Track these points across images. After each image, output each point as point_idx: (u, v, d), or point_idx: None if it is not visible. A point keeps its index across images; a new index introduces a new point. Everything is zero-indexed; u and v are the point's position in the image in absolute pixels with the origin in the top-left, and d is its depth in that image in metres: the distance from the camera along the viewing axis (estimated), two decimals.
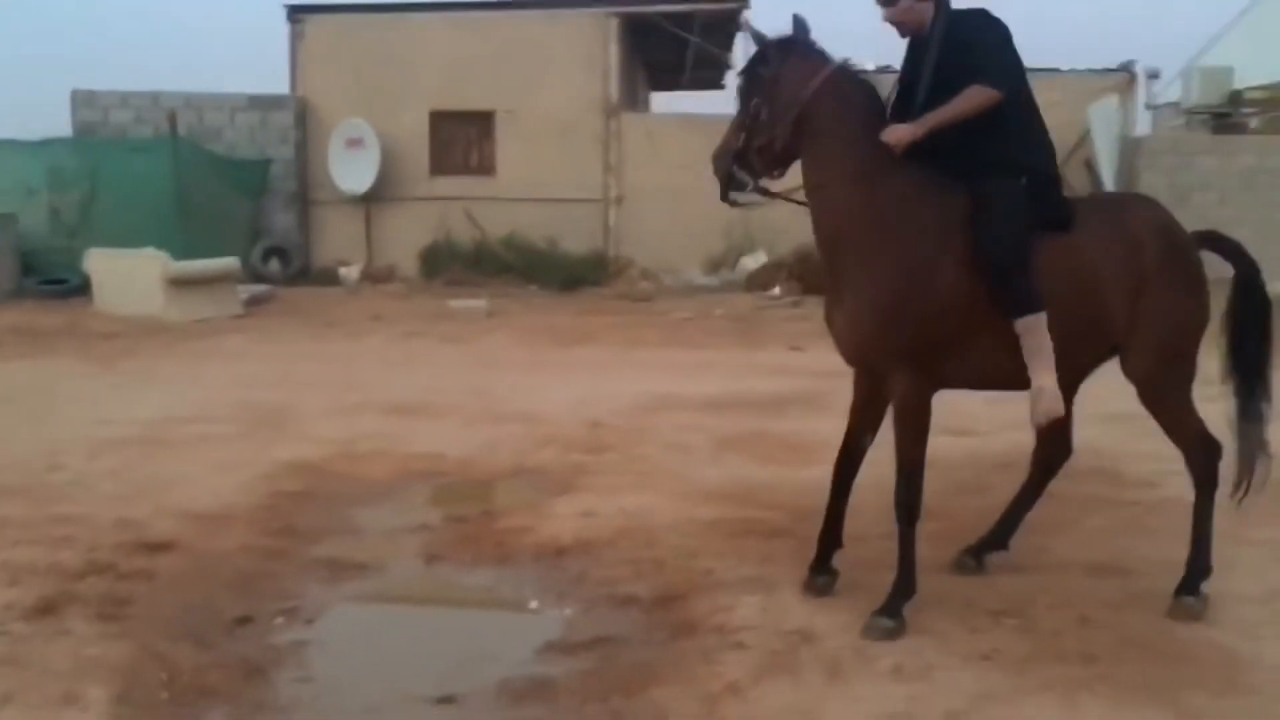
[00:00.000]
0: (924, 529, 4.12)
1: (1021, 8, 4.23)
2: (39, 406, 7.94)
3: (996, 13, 4.13)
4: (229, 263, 13.74)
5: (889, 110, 4.15)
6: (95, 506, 5.38)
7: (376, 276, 16.98)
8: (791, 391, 8.67)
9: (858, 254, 3.98)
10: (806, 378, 9.22)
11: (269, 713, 3.44)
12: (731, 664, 3.71)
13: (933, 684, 3.57)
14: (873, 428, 4.27)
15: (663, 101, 25.27)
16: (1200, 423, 4.23)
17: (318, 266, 17.53)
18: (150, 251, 12.99)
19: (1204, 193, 15.53)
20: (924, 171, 4.02)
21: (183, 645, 3.81)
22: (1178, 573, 4.28)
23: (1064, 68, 16.39)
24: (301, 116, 17.68)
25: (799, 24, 4.09)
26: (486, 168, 17.79)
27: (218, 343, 11.20)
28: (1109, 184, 15.54)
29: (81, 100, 17.41)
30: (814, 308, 14.21)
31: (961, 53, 3.98)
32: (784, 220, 15.38)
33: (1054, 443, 4.56)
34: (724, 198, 4.19)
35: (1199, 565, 4.21)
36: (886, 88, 4.25)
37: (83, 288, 13.76)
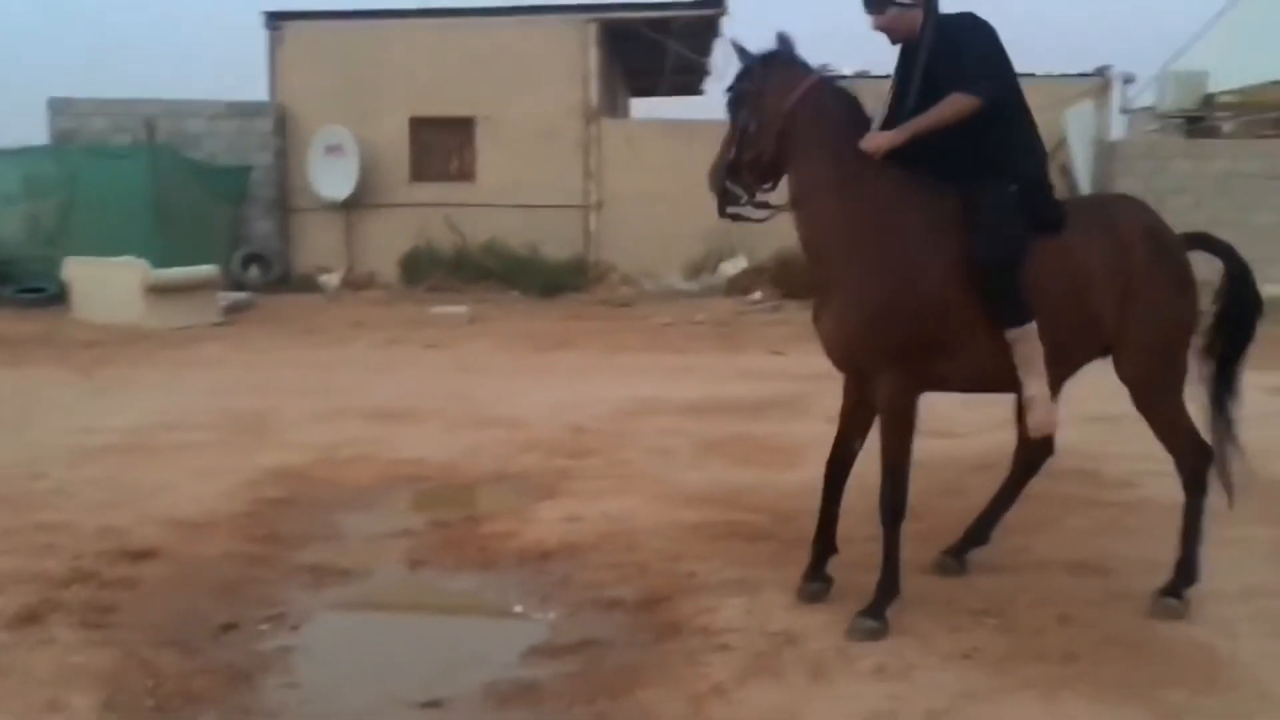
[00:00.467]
0: (906, 530, 4.15)
1: (996, 12, 4.26)
2: (19, 415, 7.90)
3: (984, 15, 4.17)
4: (208, 270, 13.69)
5: (885, 115, 4.19)
6: (78, 514, 5.37)
7: (357, 283, 16.95)
8: (772, 395, 8.71)
9: (843, 259, 4.02)
10: (787, 381, 9.27)
11: (255, 718, 3.44)
12: (716, 665, 3.74)
13: (915, 683, 3.61)
14: (862, 432, 4.29)
15: (642, 107, 25.32)
16: (1191, 427, 4.28)
17: (298, 274, 17.48)
18: (129, 259, 12.96)
19: (1179, 196, 15.65)
20: (909, 177, 4.06)
21: (168, 652, 3.81)
22: (1157, 571, 4.33)
23: (1039, 73, 16.53)
24: (281, 123, 17.64)
25: (782, 39, 4.15)
26: (467, 174, 17.79)
27: (198, 350, 11.17)
28: (1085, 188, 15.68)
29: (58, 108, 17.31)
30: (794, 312, 14.30)
31: (950, 57, 4.02)
32: (764, 226, 15.42)
33: (1037, 441, 4.59)
34: (721, 213, 4.24)
35: (1187, 570, 4.24)
36: (869, 94, 4.30)
37: (61, 296, 13.70)
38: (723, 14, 17.60)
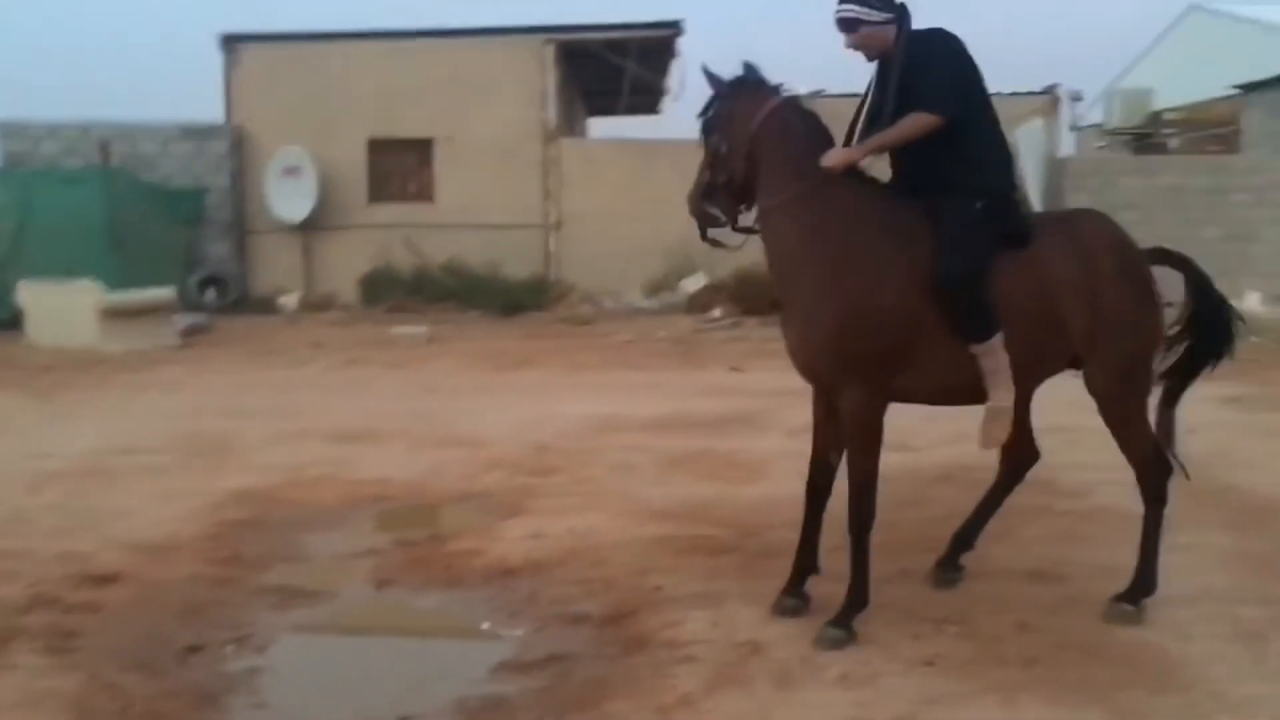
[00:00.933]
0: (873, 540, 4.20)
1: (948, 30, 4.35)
2: None
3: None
4: (165, 293, 13.60)
5: (861, 130, 4.27)
6: (37, 540, 5.32)
7: (316, 305, 16.88)
8: (733, 411, 8.78)
9: (804, 274, 4.08)
10: (747, 397, 9.35)
11: None
12: (683, 677, 3.77)
13: (879, 690, 3.67)
14: (838, 445, 4.30)
15: (600, 127, 25.46)
16: (1154, 440, 4.36)
17: (256, 295, 17.39)
18: (84, 283, 12.84)
19: (1128, 211, 15.88)
20: (873, 192, 4.15)
21: (134, 675, 3.80)
22: (1112, 578, 4.43)
23: (989, 91, 16.78)
24: (237, 145, 17.58)
25: (748, 67, 4.25)
26: (425, 194, 17.82)
27: (156, 373, 11.07)
28: (1037, 205, 15.94)
29: (10, 131, 17.18)
30: (753, 329, 14.42)
31: (922, 73, 4.08)
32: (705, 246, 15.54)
33: (1022, 448, 4.65)
34: (703, 236, 4.32)
35: (1144, 580, 4.32)
36: (830, 113, 4.37)
37: (15, 321, 13.51)
38: (679, 34, 17.78)
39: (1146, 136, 19.69)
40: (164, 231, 16.23)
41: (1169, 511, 4.42)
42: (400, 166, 17.89)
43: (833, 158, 4.09)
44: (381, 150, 17.75)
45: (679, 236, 16.45)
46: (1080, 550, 5.09)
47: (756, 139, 4.13)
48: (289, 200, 17.11)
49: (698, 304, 16.24)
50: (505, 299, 16.51)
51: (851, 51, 4.28)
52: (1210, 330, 4.52)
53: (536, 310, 16.48)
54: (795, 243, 4.10)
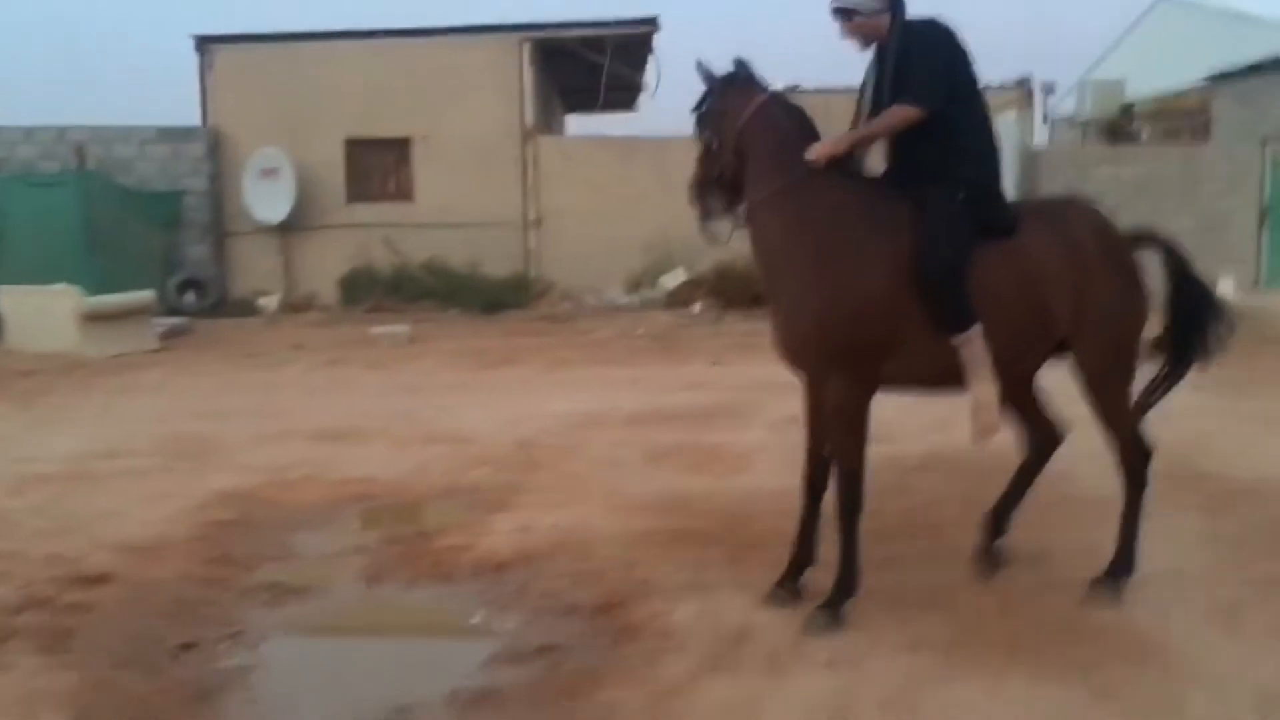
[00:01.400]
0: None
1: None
2: None
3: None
4: (144, 296, 13.55)
5: (856, 118, 4.33)
6: (25, 543, 5.32)
7: (296, 306, 16.87)
8: (716, 405, 8.85)
9: (789, 267, 4.14)
10: (729, 391, 9.42)
11: None
12: (673, 664, 3.84)
13: (866, 673, 3.74)
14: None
15: (578, 124, 25.46)
16: (1137, 426, 4.44)
17: (235, 297, 17.35)
18: (62, 287, 12.79)
19: (1101, 201, 16.11)
20: (858, 185, 4.21)
21: (129, 672, 3.83)
22: (1091, 560, 4.51)
23: (979, 83, 16.90)
24: (214, 147, 17.53)
25: (739, 63, 4.34)
26: (404, 194, 17.81)
27: (136, 377, 11.05)
28: (1011, 196, 16.08)
29: None
30: (734, 323, 14.49)
31: (909, 64, 4.13)
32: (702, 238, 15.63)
33: (1040, 430, 4.70)
34: (703, 228, 4.42)
35: (1124, 562, 4.41)
36: (820, 107, 4.43)
37: None
38: (655, 31, 17.82)
39: (1119, 127, 19.84)
40: (142, 235, 16.18)
41: (1147, 495, 4.51)
42: (378, 166, 17.88)
43: (815, 151, 4.15)
44: (359, 150, 17.74)
45: (658, 232, 16.63)
46: (1060, 534, 5.17)
47: (743, 134, 4.20)
48: (267, 201, 17.08)
49: (678, 299, 16.31)
50: (485, 297, 16.53)
51: (845, 40, 4.32)
52: (1193, 313, 4.56)
53: (517, 308, 16.51)
54: (779, 236, 4.15)
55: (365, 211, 17.59)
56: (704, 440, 7.51)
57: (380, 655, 4.30)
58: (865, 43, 4.32)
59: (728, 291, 15.53)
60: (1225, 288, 14.23)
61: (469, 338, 14.00)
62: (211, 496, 6.24)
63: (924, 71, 4.10)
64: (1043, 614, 4.19)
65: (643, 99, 22.88)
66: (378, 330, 14.23)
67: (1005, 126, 16.58)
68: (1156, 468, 4.53)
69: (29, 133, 17.18)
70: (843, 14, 4.25)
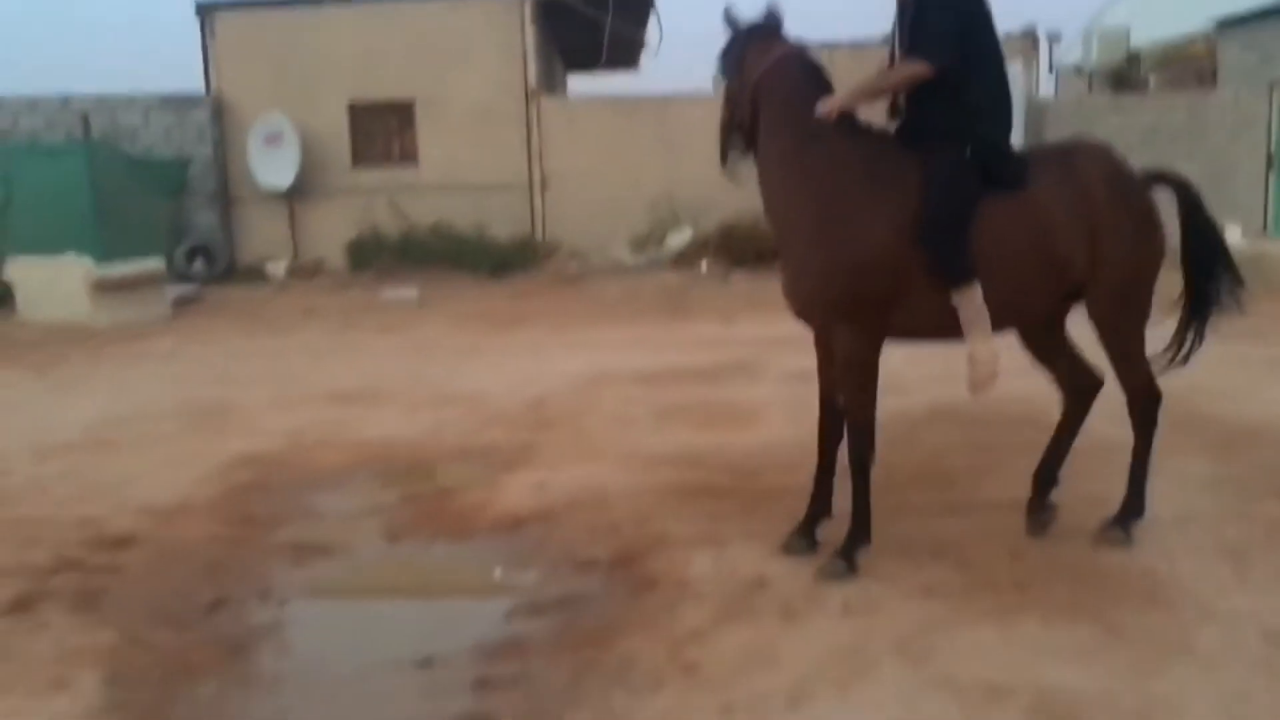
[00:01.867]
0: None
1: None
2: None
3: None
4: (153, 265, 13.60)
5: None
6: (53, 507, 5.44)
7: (304, 271, 16.90)
8: (725, 361, 8.92)
9: (794, 219, 4.20)
10: (738, 348, 9.49)
11: (256, 685, 3.58)
12: (691, 613, 3.94)
13: (880, 618, 3.83)
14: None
15: (581, 84, 25.34)
16: (1149, 370, 4.46)
17: (243, 264, 17.40)
18: (72, 257, 12.85)
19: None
20: (867, 141, 4.24)
21: (162, 629, 3.94)
22: (1099, 506, 4.60)
23: (997, 38, 16.80)
24: (218, 114, 17.51)
25: (770, 14, 4.38)
26: (409, 157, 17.78)
27: (149, 345, 11.14)
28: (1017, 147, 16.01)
29: None
30: (740, 281, 14.51)
31: (924, 18, 4.14)
32: (708, 196, 15.67)
33: (1076, 377, 4.68)
34: (722, 164, 4.52)
35: (1134, 505, 4.48)
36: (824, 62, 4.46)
37: (3, 298, 13.53)
38: None
39: (1125, 76, 19.70)
40: (148, 203, 16.18)
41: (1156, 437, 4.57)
42: (382, 130, 17.84)
43: (825, 105, 4.18)
44: (363, 114, 17.70)
45: (662, 192, 16.63)
46: (1068, 481, 5.21)
47: (759, 86, 4.25)
48: (272, 167, 17.08)
49: (684, 258, 16.33)
50: (493, 260, 16.55)
51: None
52: (1205, 258, 4.57)
53: (524, 270, 16.53)
54: (788, 190, 4.21)
55: (370, 176, 17.59)
56: (714, 396, 7.59)
57: (404, 610, 4.39)
58: None
59: (734, 250, 15.54)
60: (1233, 234, 14.22)
61: (478, 300, 14.06)
62: (232, 460, 6.34)
63: (936, 28, 4.11)
64: (1053, 559, 4.29)
65: (645, 57, 22.77)
66: (387, 294, 14.29)
67: (1012, 77, 16.52)
68: (1163, 413, 4.58)
69: (33, 103, 17.15)
70: None
